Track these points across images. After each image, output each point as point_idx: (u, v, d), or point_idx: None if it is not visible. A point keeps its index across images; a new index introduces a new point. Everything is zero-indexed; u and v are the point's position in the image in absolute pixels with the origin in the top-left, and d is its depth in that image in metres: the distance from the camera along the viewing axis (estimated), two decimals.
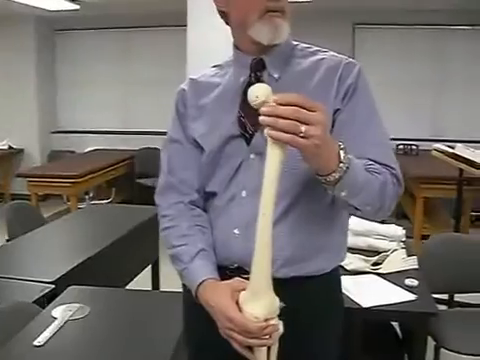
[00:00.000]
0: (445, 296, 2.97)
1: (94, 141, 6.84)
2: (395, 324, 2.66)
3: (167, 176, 1.40)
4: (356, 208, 1.18)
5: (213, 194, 1.35)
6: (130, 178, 6.44)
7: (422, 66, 6.10)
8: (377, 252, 2.53)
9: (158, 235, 3.65)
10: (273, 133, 1.01)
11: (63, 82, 7.05)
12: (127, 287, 2.99)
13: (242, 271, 1.27)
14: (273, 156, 1.06)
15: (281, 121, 0.99)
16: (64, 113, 7.11)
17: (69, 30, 6.86)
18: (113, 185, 6.15)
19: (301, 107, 0.99)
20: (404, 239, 2.70)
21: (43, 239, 2.88)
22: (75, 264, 2.39)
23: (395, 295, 2.12)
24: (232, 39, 1.38)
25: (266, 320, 1.12)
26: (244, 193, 1.29)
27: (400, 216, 4.84)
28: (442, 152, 3.35)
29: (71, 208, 4.85)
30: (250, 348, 1.16)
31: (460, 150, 3.29)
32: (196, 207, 1.37)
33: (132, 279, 3.13)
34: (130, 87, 6.92)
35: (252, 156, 1.28)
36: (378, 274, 2.33)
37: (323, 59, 1.31)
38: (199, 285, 1.25)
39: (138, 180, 6.35)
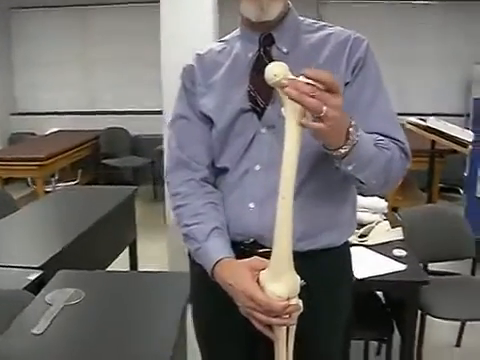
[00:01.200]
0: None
1: (56, 122, 6.66)
2: (379, 293, 2.72)
3: (177, 152, 1.38)
4: (362, 182, 1.19)
5: (224, 170, 1.34)
6: (95, 159, 6.32)
7: (389, 40, 6.17)
8: (361, 224, 2.57)
9: (135, 215, 3.65)
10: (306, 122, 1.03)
11: (21, 62, 6.80)
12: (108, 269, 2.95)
13: (258, 245, 1.29)
14: (292, 138, 1.06)
15: (309, 99, 0.99)
16: (23, 94, 6.87)
17: (26, 8, 6.59)
18: (78, 167, 6.02)
19: (328, 87, 1.00)
20: (386, 211, 2.75)
21: (20, 224, 2.79)
22: (60, 248, 2.33)
23: (386, 266, 2.17)
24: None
25: (288, 299, 1.13)
26: (258, 167, 1.28)
27: None
28: (415, 125, 3.41)
29: (38, 191, 4.73)
30: (269, 326, 1.17)
31: (433, 123, 3.36)
32: (208, 183, 1.35)
33: (113, 260, 3.09)
34: (92, 66, 6.75)
35: (263, 130, 1.28)
36: (366, 246, 2.38)
37: (331, 34, 1.31)
38: (216, 264, 1.24)
39: (104, 161, 6.24)
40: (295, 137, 1.06)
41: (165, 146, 3.61)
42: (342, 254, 1.40)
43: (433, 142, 3.56)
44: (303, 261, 1.18)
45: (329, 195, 1.31)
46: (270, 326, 1.17)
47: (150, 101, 6.70)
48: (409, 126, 3.37)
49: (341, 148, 1.08)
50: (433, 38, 6.27)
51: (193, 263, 1.38)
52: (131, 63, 6.52)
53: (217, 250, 1.26)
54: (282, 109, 1.06)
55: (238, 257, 1.25)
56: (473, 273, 2.88)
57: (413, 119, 3.45)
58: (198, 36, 3.28)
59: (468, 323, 2.91)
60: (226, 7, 3.77)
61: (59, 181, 5.56)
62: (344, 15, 6.16)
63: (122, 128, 6.58)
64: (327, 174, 1.27)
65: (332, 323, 1.40)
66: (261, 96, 1.26)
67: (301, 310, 1.16)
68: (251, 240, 1.30)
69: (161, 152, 4.84)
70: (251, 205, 1.29)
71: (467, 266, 3.05)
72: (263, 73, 1.06)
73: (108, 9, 6.49)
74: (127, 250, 3.55)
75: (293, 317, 1.15)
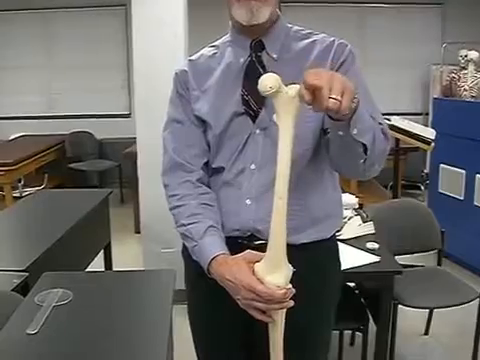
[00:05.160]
0: None
1: (18, 127, 6.55)
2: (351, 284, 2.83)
3: (172, 155, 1.43)
4: (365, 150, 1.19)
5: (220, 169, 1.41)
6: (61, 163, 6.26)
7: (349, 42, 6.36)
8: None
9: (109, 218, 3.66)
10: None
11: None
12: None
13: (254, 238, 1.37)
14: (285, 140, 1.13)
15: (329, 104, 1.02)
16: None
17: None
18: (44, 171, 5.96)
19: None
20: (357, 207, 2.87)
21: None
22: (43, 251, 2.34)
23: (361, 258, 2.28)
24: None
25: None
26: (253, 166, 1.36)
27: None
28: None
29: (6, 197, 4.67)
30: (264, 312, 1.23)
31: (397, 122, 3.51)
32: (202, 184, 1.42)
33: (90, 263, 3.11)
34: (56, 70, 6.69)
35: (258, 131, 1.35)
36: (340, 240, 2.48)
37: (317, 40, 1.39)
38: (212, 260, 1.30)
39: (70, 165, 6.20)
40: (288, 141, 1.13)
41: (137, 149, 3.66)
42: (331, 245, 1.50)
43: (397, 140, 3.72)
44: (297, 253, 1.26)
45: (319, 193, 1.41)
46: (265, 312, 1.23)
47: (116, 105, 6.71)
48: None
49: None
50: (390, 40, 6.50)
51: (189, 261, 1.44)
52: (95, 67, 6.51)
53: (213, 247, 1.32)
54: (274, 116, 1.13)
55: (234, 249, 1.31)
56: (439, 264, 3.03)
57: None
58: (170, 40, 3.34)
59: (434, 314, 3.08)
60: (196, 12, 3.85)
61: (25, 186, 5.50)
62: (307, 17, 6.28)
63: (88, 132, 6.55)
64: (316, 175, 1.37)
65: (324, 309, 1.50)
66: (254, 100, 1.34)
67: (293, 292, 1.22)
68: (248, 234, 1.38)
69: (128, 155, 4.88)
70: (248, 202, 1.37)
71: (429, 258, 3.22)
72: (255, 79, 1.13)
73: (71, 13, 6.45)
74: (101, 253, 3.56)
75: (289, 300, 1.22)
